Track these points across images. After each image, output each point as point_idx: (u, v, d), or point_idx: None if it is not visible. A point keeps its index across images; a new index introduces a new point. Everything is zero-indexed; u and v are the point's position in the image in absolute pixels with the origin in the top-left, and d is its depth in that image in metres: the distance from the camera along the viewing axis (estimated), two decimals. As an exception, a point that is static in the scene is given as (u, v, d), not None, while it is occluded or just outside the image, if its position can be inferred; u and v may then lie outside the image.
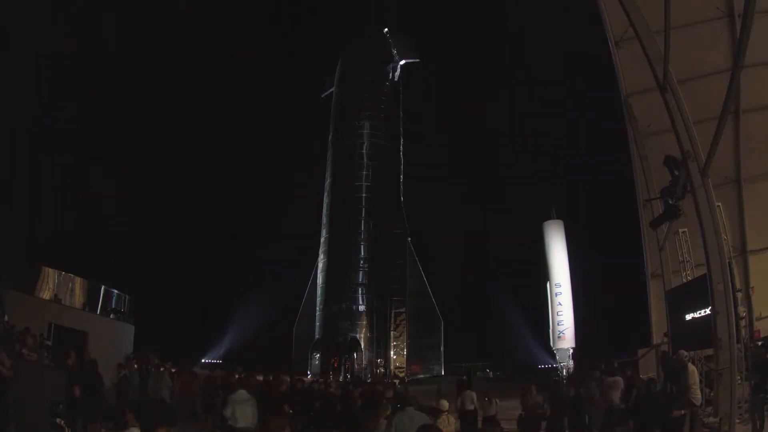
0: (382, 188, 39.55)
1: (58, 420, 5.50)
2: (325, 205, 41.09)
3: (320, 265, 40.04)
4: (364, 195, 39.13)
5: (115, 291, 22.42)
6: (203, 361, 35.42)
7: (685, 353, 10.12)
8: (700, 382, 10.40)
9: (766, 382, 9.87)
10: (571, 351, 30.56)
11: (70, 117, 33.82)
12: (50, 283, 18.54)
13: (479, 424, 10.59)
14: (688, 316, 12.00)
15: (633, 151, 17.21)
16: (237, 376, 12.22)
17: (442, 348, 38.57)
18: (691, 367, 9.76)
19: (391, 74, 42.71)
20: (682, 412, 8.84)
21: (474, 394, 11.26)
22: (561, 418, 9.91)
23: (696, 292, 11.37)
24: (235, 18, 46.61)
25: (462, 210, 42.56)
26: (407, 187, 41.19)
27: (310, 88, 45.94)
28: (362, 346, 36.94)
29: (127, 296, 23.00)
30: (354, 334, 37.13)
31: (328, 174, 41.52)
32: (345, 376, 32.05)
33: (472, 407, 11.03)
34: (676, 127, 10.19)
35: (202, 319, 39.24)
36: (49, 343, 14.93)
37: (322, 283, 39.38)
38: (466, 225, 42.86)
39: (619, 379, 11.11)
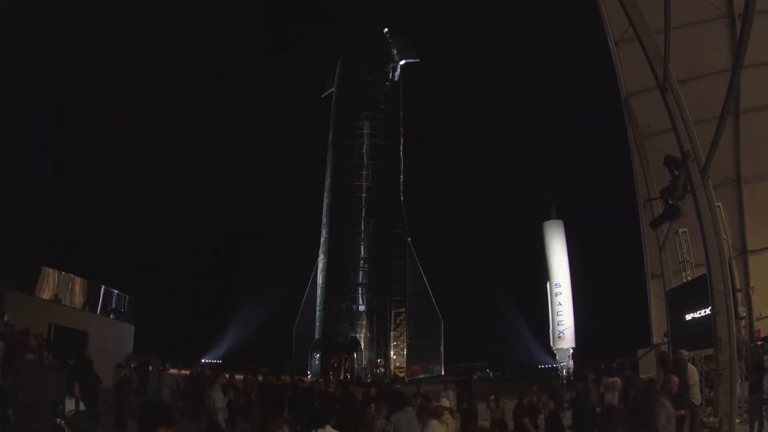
0: (382, 188, 39.56)
1: (58, 420, 5.51)
2: (325, 205, 41.10)
3: (320, 265, 40.03)
4: (364, 195, 39.14)
5: (115, 291, 22.42)
6: (203, 361, 35.43)
7: (686, 353, 10.11)
8: (700, 382, 10.39)
9: (762, 382, 9.88)
10: (571, 351, 30.55)
11: (71, 117, 33.88)
12: (50, 283, 18.53)
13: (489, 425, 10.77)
14: (688, 316, 11.98)
15: (633, 151, 17.18)
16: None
17: (442, 348, 38.59)
18: (691, 367, 9.74)
19: (391, 74, 42.72)
20: (682, 412, 8.82)
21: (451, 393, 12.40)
22: (559, 416, 9.92)
23: (696, 292, 11.35)
24: (235, 18, 46.62)
25: (462, 210, 42.57)
26: (407, 187, 41.28)
27: (310, 87, 46.04)
28: (362, 346, 36.93)
29: (127, 296, 23.00)
30: (354, 334, 37.12)
31: (328, 174, 41.53)
32: (345, 376, 32.05)
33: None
34: (676, 127, 10.18)
35: (202, 319, 39.28)
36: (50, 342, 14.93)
37: (322, 283, 39.38)
38: (466, 225, 42.89)
39: (617, 379, 11.11)
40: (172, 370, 16.09)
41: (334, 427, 5.42)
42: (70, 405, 5.60)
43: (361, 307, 37.88)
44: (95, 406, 10.86)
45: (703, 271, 10.69)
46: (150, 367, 16.00)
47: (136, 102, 38.79)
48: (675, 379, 7.06)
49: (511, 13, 42.93)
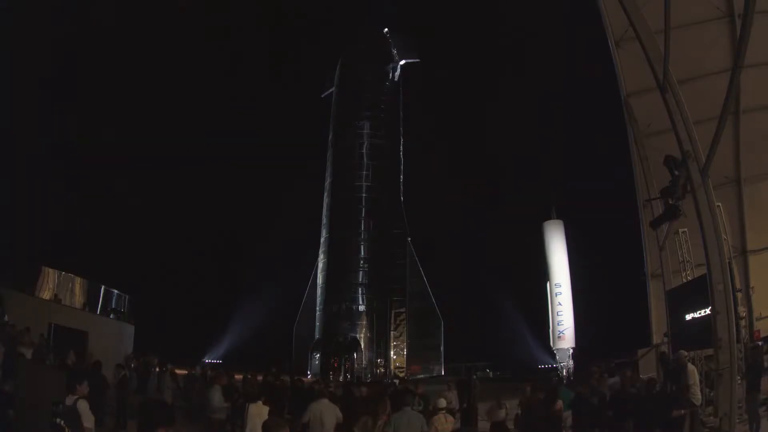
0: (382, 188, 39.55)
1: (58, 420, 5.50)
2: (325, 205, 41.09)
3: (320, 265, 40.03)
4: (364, 195, 39.14)
5: (115, 291, 22.42)
6: (204, 361, 35.42)
7: (685, 353, 10.11)
8: (700, 382, 10.39)
9: (760, 382, 9.89)
10: (571, 351, 30.54)
11: (71, 118, 33.88)
12: (50, 283, 18.53)
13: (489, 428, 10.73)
14: (688, 316, 11.97)
15: (633, 152, 17.18)
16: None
17: (442, 348, 38.59)
18: (691, 367, 9.75)
19: (391, 74, 42.71)
20: (682, 412, 8.83)
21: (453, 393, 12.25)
22: (559, 420, 9.90)
23: (696, 292, 11.35)
24: (235, 18, 46.64)
25: (462, 210, 42.58)
26: (407, 187, 41.28)
27: (310, 88, 46.06)
28: (362, 346, 36.93)
29: (127, 296, 23.00)
30: (354, 334, 37.12)
31: (328, 174, 41.53)
32: (345, 376, 32.06)
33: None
34: (676, 127, 10.18)
35: (202, 319, 39.30)
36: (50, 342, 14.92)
37: (322, 283, 39.37)
38: (466, 225, 42.89)
39: (618, 379, 11.11)
40: (176, 371, 16.04)
41: (264, 403, 6.42)
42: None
43: (361, 307, 37.87)
44: (101, 410, 10.86)
45: (703, 271, 10.69)
46: (156, 369, 15.97)
47: (136, 102, 38.87)
48: None
49: (511, 13, 42.96)
